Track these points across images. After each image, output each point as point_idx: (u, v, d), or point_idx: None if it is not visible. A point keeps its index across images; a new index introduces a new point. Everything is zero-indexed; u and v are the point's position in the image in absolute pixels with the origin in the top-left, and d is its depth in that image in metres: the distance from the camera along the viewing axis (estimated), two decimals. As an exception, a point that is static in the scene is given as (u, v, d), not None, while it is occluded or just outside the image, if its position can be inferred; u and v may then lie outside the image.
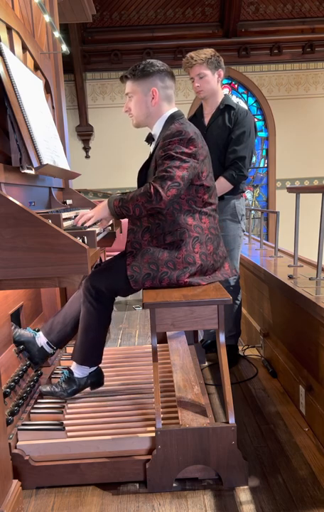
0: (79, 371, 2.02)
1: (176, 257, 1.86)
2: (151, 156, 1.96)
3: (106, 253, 4.56)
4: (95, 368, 2.04)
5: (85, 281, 1.94)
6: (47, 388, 2.04)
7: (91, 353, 1.99)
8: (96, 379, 2.06)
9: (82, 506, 1.64)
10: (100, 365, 2.22)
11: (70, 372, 2.03)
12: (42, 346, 2.09)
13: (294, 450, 1.94)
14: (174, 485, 1.72)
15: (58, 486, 1.73)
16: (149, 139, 2.01)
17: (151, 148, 2.01)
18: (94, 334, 1.96)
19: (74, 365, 2.03)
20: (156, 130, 1.97)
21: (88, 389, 2.11)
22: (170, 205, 1.84)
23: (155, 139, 1.97)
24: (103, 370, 2.38)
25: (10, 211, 1.31)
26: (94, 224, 1.93)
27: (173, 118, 1.93)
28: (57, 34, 2.80)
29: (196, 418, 1.79)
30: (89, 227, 1.85)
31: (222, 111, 2.62)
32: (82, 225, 1.86)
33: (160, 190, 1.77)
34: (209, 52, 2.55)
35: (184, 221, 1.87)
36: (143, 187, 1.83)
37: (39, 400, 2.01)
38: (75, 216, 2.08)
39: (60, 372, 2.29)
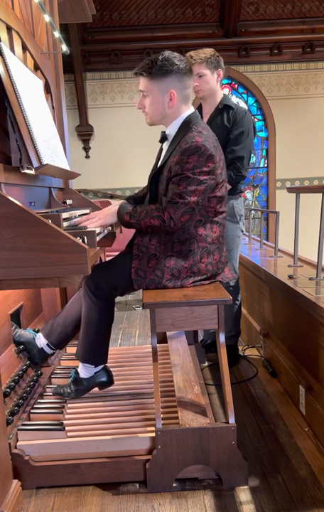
0: (85, 371, 2.00)
1: (182, 266, 1.86)
2: (165, 160, 1.89)
3: (106, 253, 4.56)
4: (101, 367, 2.02)
5: (86, 276, 1.93)
6: (57, 389, 2.05)
7: (93, 351, 1.96)
8: (105, 379, 2.03)
9: (82, 506, 1.64)
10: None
11: (77, 372, 2.02)
12: (42, 348, 2.09)
13: (294, 450, 1.94)
14: (174, 485, 1.72)
15: (58, 486, 1.73)
16: (163, 138, 1.95)
17: (164, 147, 1.97)
18: (95, 330, 1.93)
19: (80, 365, 2.02)
20: (171, 130, 1.91)
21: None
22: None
23: (170, 140, 1.92)
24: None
25: (10, 211, 1.31)
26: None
27: (189, 121, 1.86)
28: (57, 34, 2.80)
29: (196, 418, 1.79)
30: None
31: (220, 111, 2.62)
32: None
33: (174, 218, 1.78)
34: (208, 51, 2.55)
35: (194, 231, 1.86)
36: (155, 207, 1.81)
37: (39, 400, 2.01)
38: (76, 216, 2.08)
39: (68, 372, 2.29)
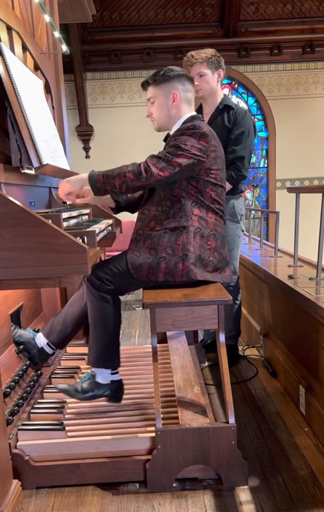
0: (100, 375, 1.94)
1: (176, 243, 1.85)
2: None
3: (107, 253, 4.55)
4: (117, 378, 1.96)
5: (89, 275, 1.93)
6: (65, 387, 1.97)
7: (101, 353, 1.90)
8: (115, 393, 1.96)
9: (82, 506, 1.64)
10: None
11: (93, 375, 1.96)
12: (42, 347, 2.08)
13: (294, 450, 1.94)
14: (174, 485, 1.72)
15: (58, 486, 1.73)
16: (166, 139, 2.03)
17: None
18: (101, 329, 1.89)
19: (95, 371, 1.96)
20: (173, 131, 1.98)
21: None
22: (163, 184, 1.85)
23: None
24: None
25: (10, 211, 1.31)
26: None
27: (191, 119, 1.96)
28: (57, 34, 2.80)
29: (196, 418, 1.79)
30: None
31: (221, 111, 2.62)
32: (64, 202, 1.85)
33: (153, 168, 1.78)
34: (210, 52, 2.55)
35: (190, 210, 1.89)
36: (131, 164, 1.82)
37: (39, 400, 2.01)
38: (75, 216, 2.09)
39: (68, 372, 2.29)
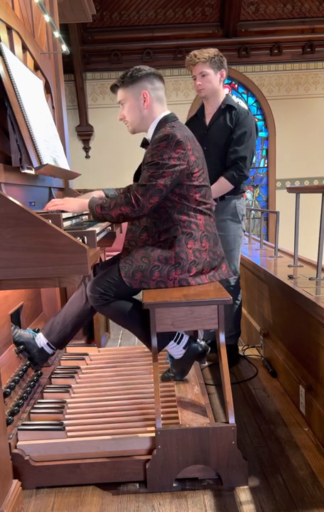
0: (174, 352, 2.04)
1: (168, 253, 1.87)
2: (144, 157, 1.95)
3: (107, 253, 4.55)
4: (186, 341, 2.02)
5: (87, 291, 1.96)
6: (164, 375, 2.16)
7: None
8: (198, 350, 2.04)
9: (82, 506, 1.64)
10: (102, 365, 2.19)
11: (170, 356, 2.11)
12: (42, 347, 2.08)
13: (294, 450, 1.94)
14: (174, 485, 1.72)
15: (58, 486, 1.73)
16: (144, 144, 2.02)
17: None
18: (134, 326, 1.96)
19: (167, 350, 2.07)
20: (150, 134, 1.98)
21: (87, 388, 2.11)
22: (154, 209, 1.87)
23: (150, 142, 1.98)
24: (103, 369, 2.39)
25: (10, 211, 1.31)
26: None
27: (165, 121, 1.94)
28: (57, 34, 2.80)
29: (196, 418, 1.79)
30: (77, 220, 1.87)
31: (223, 111, 2.62)
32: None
33: (142, 199, 1.80)
34: (212, 51, 2.55)
35: (177, 218, 1.89)
36: (123, 195, 1.84)
37: (39, 400, 2.01)
38: (74, 216, 2.09)
39: (68, 372, 2.30)
